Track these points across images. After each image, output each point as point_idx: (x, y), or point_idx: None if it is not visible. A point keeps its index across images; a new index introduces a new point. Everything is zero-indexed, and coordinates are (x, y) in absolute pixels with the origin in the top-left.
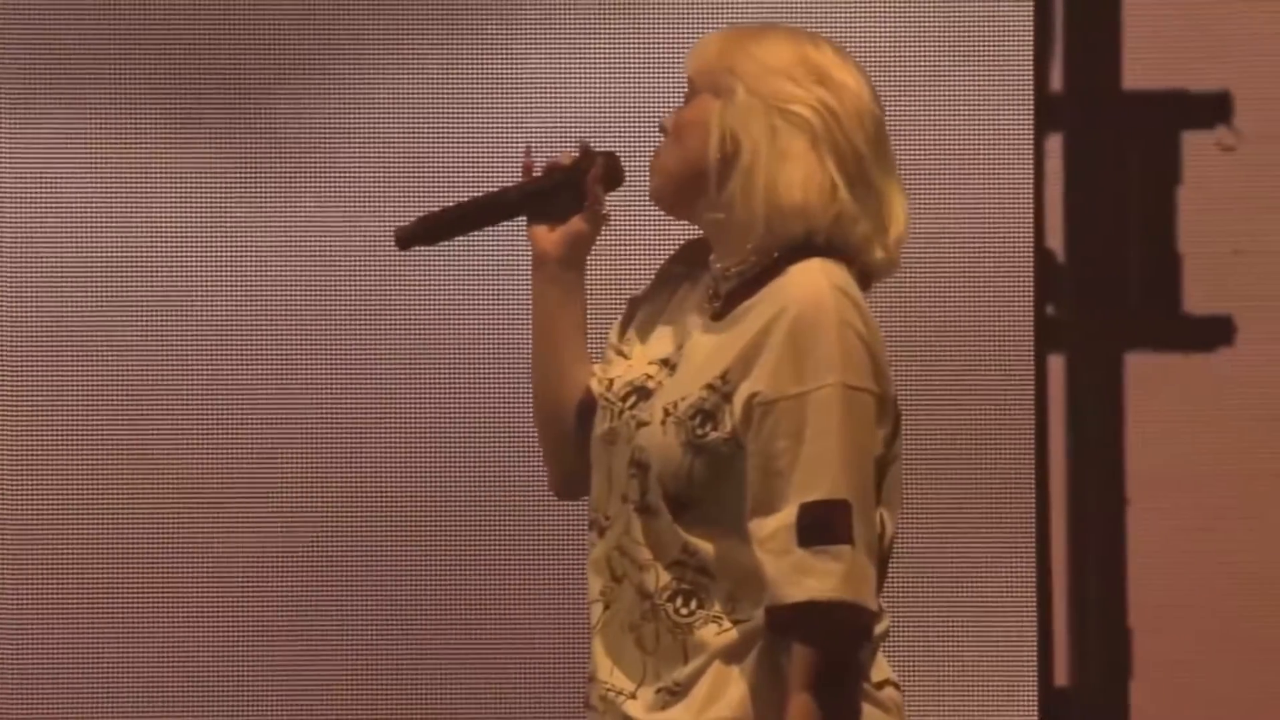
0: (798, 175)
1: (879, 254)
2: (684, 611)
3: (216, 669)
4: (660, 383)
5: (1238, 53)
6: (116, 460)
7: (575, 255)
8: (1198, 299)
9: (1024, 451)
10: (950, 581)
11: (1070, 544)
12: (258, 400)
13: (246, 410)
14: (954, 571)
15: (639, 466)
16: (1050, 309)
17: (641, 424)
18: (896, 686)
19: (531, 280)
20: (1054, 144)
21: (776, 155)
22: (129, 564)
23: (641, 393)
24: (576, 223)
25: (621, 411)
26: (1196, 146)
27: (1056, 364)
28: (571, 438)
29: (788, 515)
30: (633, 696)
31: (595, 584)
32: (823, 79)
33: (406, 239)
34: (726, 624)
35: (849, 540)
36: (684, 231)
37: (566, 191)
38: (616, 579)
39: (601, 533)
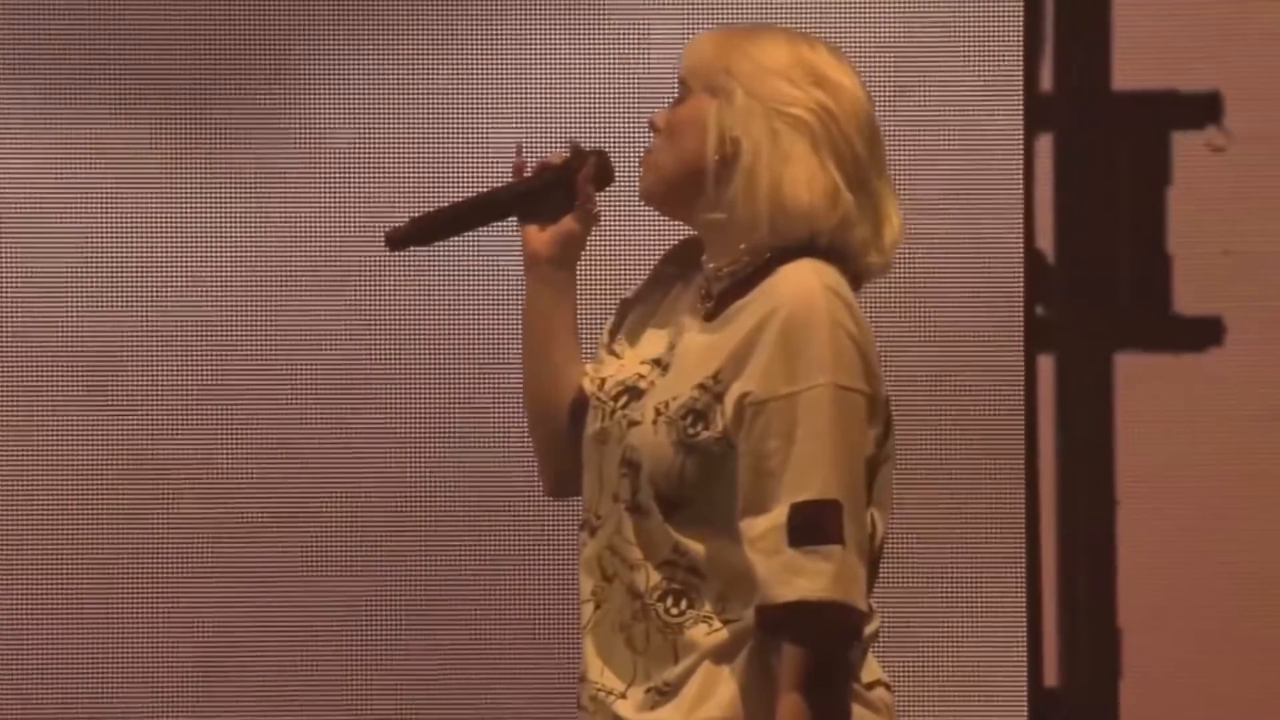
0: (802, 177)
1: (874, 257)
2: (674, 611)
3: (216, 669)
4: (652, 382)
5: (1227, 53)
6: (113, 462)
7: (567, 255)
8: (1187, 299)
9: (1014, 452)
10: (940, 582)
11: (1060, 544)
12: (252, 401)
13: (240, 411)
14: (944, 572)
15: (630, 466)
16: (1040, 309)
17: (633, 423)
18: (887, 687)
19: (524, 280)
20: (1044, 144)
21: (779, 157)
22: (126, 565)
23: (633, 392)
24: (568, 222)
25: (613, 411)
26: (1186, 147)
27: (1046, 364)
28: (563, 437)
29: (778, 515)
30: (623, 696)
31: (586, 584)
32: (820, 80)
33: (398, 240)
34: (717, 624)
35: (839, 540)
36: (675, 231)
37: (558, 191)
38: (608, 578)
39: (593, 532)
